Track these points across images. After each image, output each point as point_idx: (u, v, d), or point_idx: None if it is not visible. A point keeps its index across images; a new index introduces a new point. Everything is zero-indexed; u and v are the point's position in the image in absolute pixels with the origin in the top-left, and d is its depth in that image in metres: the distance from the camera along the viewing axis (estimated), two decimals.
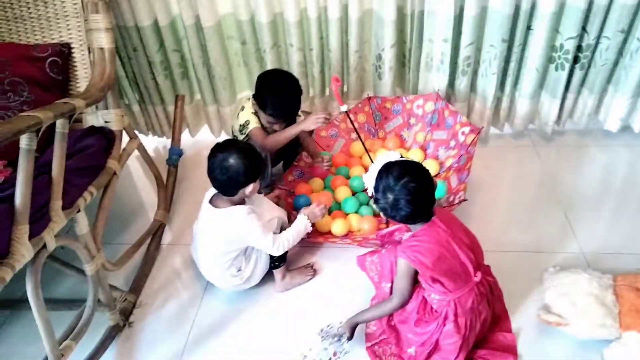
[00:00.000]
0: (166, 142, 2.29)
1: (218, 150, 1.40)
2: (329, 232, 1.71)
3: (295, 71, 1.98)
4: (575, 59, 1.90)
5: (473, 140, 1.77)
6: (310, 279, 1.62)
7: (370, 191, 1.31)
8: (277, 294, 1.59)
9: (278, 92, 1.67)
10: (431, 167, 1.85)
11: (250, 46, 1.98)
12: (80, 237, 1.32)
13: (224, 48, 1.98)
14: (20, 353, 1.49)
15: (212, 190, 1.50)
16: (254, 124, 1.72)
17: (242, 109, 1.76)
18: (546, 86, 2.00)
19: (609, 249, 1.62)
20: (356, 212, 1.77)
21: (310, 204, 1.63)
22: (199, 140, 2.29)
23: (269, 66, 2.00)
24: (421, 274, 1.26)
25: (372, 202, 1.38)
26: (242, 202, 1.47)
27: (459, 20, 1.85)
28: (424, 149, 1.97)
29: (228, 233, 1.45)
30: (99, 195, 1.44)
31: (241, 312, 1.55)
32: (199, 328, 1.51)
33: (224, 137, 2.28)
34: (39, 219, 1.16)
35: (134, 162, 2.19)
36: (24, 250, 1.08)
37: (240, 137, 1.75)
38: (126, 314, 1.55)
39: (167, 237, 1.84)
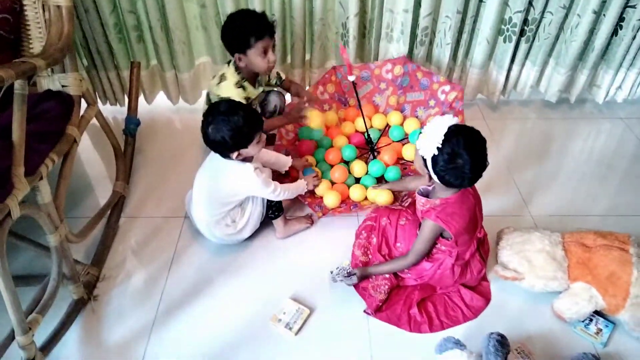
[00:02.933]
0: (119, 110, 2.19)
1: (206, 113, 1.41)
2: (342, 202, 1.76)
3: None
4: (522, 32, 2.01)
5: (457, 96, 1.84)
6: (308, 227, 1.69)
7: (425, 154, 1.26)
8: (243, 258, 1.60)
9: (242, 18, 1.64)
10: (414, 126, 1.93)
11: (210, 9, 1.92)
12: (43, 206, 1.25)
13: (182, 11, 1.90)
14: None
15: None
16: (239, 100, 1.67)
17: (223, 78, 1.70)
18: (494, 57, 2.11)
19: (553, 212, 1.76)
20: (355, 158, 1.87)
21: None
22: (155, 108, 2.21)
23: None
24: (452, 237, 1.35)
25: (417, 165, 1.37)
26: (244, 159, 1.48)
27: None
28: (400, 111, 2.03)
29: (232, 186, 1.50)
30: (58, 164, 1.36)
31: (213, 279, 1.54)
32: (169, 298, 1.49)
33: (182, 104, 2.22)
34: (1, 186, 1.08)
35: (88, 131, 2.06)
36: None
37: None
38: (90, 288, 1.49)
39: (127, 210, 1.78)
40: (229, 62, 1.73)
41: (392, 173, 1.79)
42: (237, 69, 1.69)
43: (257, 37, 1.60)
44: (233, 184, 1.50)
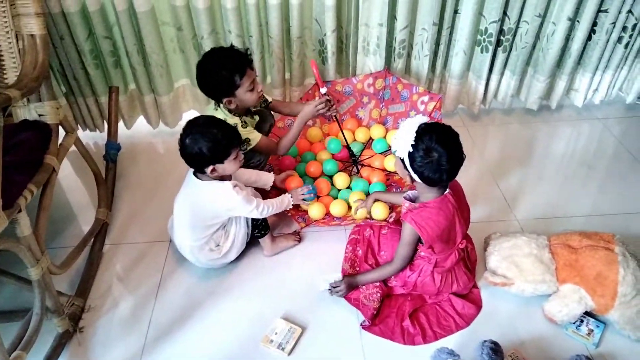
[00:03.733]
0: (99, 136, 2.17)
1: (185, 127, 1.40)
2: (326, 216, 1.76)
3: None
4: (498, 42, 2.04)
5: (435, 106, 1.85)
6: (296, 244, 1.68)
7: (401, 153, 1.28)
8: (231, 280, 1.58)
9: (216, 62, 1.54)
10: None
11: (187, 32, 1.92)
12: (22, 239, 1.22)
13: (158, 34, 1.89)
14: None
15: None
16: (256, 137, 1.64)
17: None
18: (472, 68, 2.14)
19: (538, 214, 1.78)
20: (336, 172, 1.89)
21: (315, 193, 1.73)
22: (135, 133, 2.19)
23: None
24: (424, 242, 1.35)
25: (394, 164, 1.38)
26: (222, 178, 1.46)
27: (393, 5, 1.92)
28: (382, 124, 2.04)
29: (212, 207, 1.47)
30: (37, 195, 1.33)
31: (201, 303, 1.51)
32: (157, 326, 1.45)
33: (162, 127, 2.20)
34: None
35: (68, 158, 2.03)
36: None
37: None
38: (75, 319, 1.45)
39: (110, 237, 1.75)
40: (217, 106, 1.63)
41: (376, 188, 1.80)
42: (230, 111, 1.62)
43: (241, 74, 1.53)
44: (212, 204, 1.47)
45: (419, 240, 1.38)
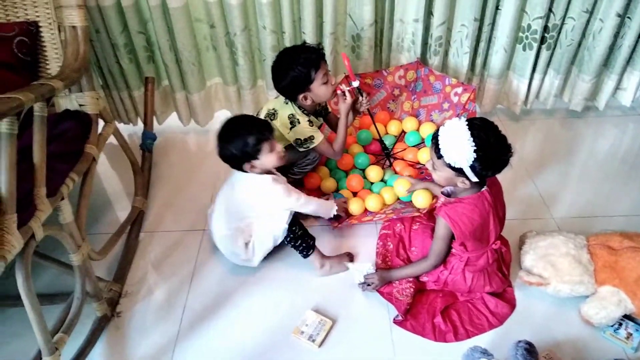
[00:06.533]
0: (132, 129, 2.22)
1: (217, 134, 1.44)
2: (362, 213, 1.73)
3: (268, 55, 1.94)
4: (542, 39, 1.96)
5: (469, 97, 1.82)
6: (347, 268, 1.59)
7: (463, 163, 1.21)
8: (267, 268, 1.59)
9: (291, 59, 1.55)
10: (429, 130, 1.91)
11: (220, 30, 1.91)
12: (65, 226, 1.26)
13: (192, 31, 1.90)
14: (8, 349, 1.41)
15: None
16: (319, 137, 1.65)
17: (294, 121, 1.62)
18: (514, 66, 2.06)
19: (576, 213, 1.73)
20: (367, 165, 1.88)
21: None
22: (166, 128, 2.23)
23: (240, 51, 1.93)
24: (456, 237, 1.33)
25: (429, 166, 1.34)
26: (265, 172, 1.49)
27: (430, 0, 1.87)
28: (414, 116, 2.02)
29: (252, 199, 1.50)
30: (78, 183, 1.38)
31: (233, 292, 1.54)
32: (191, 313, 1.49)
33: (193, 125, 2.21)
34: (25, 208, 1.09)
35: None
36: (14, 241, 1.02)
37: (301, 149, 1.67)
38: (113, 304, 1.50)
39: (146, 225, 1.79)
40: (287, 100, 1.65)
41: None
42: (300, 107, 1.63)
43: (316, 67, 1.55)
44: (250, 196, 1.49)
45: (452, 237, 1.36)
